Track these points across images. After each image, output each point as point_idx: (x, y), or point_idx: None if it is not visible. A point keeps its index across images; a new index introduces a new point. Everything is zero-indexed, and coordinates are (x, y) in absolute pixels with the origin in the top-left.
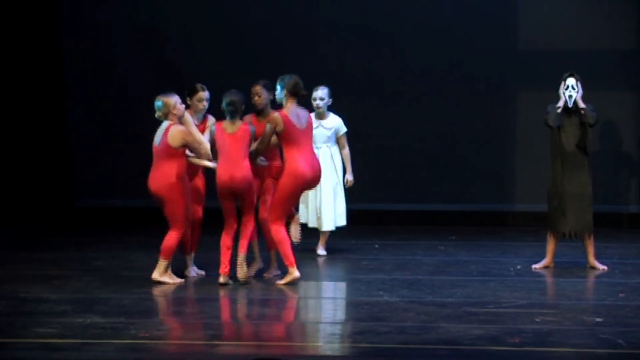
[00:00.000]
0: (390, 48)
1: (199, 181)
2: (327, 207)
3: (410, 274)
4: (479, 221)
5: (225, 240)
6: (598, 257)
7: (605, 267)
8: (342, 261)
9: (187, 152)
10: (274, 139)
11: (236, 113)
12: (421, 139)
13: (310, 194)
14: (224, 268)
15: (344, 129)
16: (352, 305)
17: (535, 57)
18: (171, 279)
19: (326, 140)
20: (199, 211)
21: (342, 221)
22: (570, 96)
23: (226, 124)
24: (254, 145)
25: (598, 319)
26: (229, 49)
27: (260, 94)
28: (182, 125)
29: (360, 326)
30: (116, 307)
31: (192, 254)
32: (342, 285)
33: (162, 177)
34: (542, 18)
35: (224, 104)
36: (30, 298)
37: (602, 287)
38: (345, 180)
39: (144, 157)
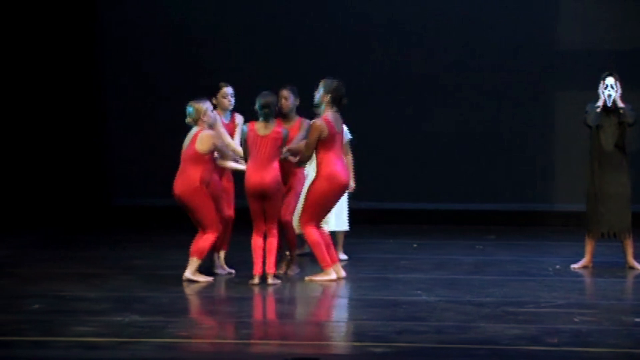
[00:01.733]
0: (427, 46)
1: (227, 182)
2: (340, 209)
3: (448, 273)
4: (518, 221)
5: (257, 241)
6: (638, 257)
7: None
8: (379, 261)
9: (215, 154)
10: (301, 145)
11: (270, 115)
12: (460, 139)
13: None
14: (258, 269)
15: (348, 136)
16: (390, 305)
17: (574, 56)
18: (202, 278)
19: None
20: (230, 211)
21: (343, 226)
22: (609, 95)
23: (259, 125)
24: (295, 148)
25: (637, 319)
26: (261, 51)
27: (287, 98)
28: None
29: (398, 326)
30: (154, 305)
31: (222, 253)
32: (380, 285)
33: (186, 181)
34: (581, 18)
35: (257, 106)
36: (68, 297)
37: None
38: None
39: (179, 156)
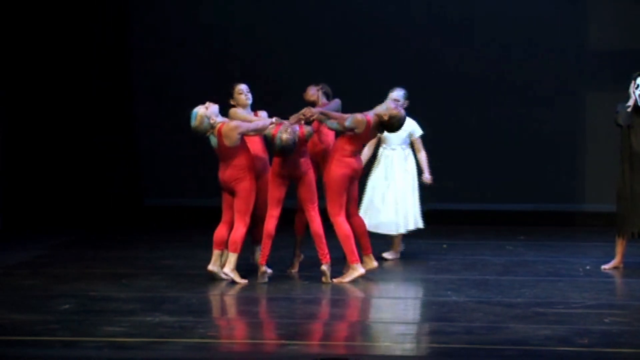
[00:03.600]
0: (454, 45)
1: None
2: (408, 209)
3: (478, 274)
4: (548, 221)
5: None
6: None
7: None
8: (409, 261)
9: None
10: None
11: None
12: (489, 139)
13: (388, 200)
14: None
15: (419, 132)
16: (420, 306)
17: (605, 56)
18: (239, 279)
19: (401, 142)
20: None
21: (418, 224)
22: None
23: None
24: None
25: None
26: (292, 50)
27: (316, 97)
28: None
29: (428, 326)
30: (185, 306)
31: (258, 247)
32: (410, 285)
33: (234, 171)
34: (611, 17)
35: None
36: (99, 297)
37: None
38: (423, 178)
39: (211, 157)
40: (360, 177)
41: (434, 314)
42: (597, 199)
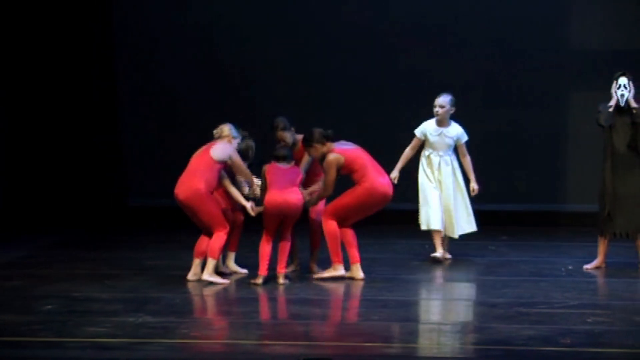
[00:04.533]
0: (438, 47)
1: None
2: (459, 213)
3: (461, 274)
4: (530, 221)
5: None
6: None
7: None
8: (392, 261)
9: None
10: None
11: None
12: (472, 139)
13: (439, 204)
14: (264, 270)
15: (464, 138)
16: (403, 305)
17: (587, 56)
18: (220, 279)
19: (447, 149)
20: (239, 214)
21: (471, 227)
22: (622, 95)
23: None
24: (316, 190)
25: None
26: (280, 52)
27: (285, 139)
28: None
29: (411, 326)
30: (167, 306)
31: (232, 254)
32: (393, 285)
33: (191, 188)
34: (594, 18)
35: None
36: (82, 297)
37: None
38: (470, 189)
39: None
40: None
41: (417, 314)
42: (579, 199)
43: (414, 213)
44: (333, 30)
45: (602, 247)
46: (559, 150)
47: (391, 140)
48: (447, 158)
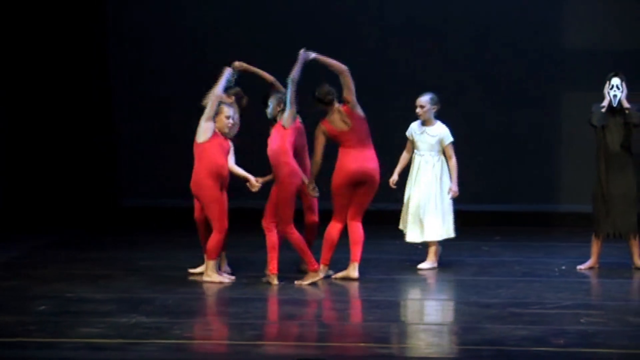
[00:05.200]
0: (432, 46)
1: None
2: (429, 217)
3: (454, 274)
4: (524, 222)
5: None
6: None
7: None
8: (385, 262)
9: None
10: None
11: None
12: (466, 139)
13: (411, 206)
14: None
15: (449, 139)
16: (396, 306)
17: (581, 57)
18: (220, 278)
19: (430, 149)
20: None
21: (449, 233)
22: (614, 96)
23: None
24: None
25: None
26: (272, 52)
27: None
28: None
29: (402, 327)
30: (161, 307)
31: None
32: (386, 286)
33: (195, 176)
34: (588, 18)
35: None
36: (75, 298)
37: None
38: (448, 190)
39: (188, 157)
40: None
41: (410, 314)
42: (573, 200)
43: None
44: (326, 34)
45: (595, 248)
46: (553, 151)
47: (385, 141)
48: (429, 158)
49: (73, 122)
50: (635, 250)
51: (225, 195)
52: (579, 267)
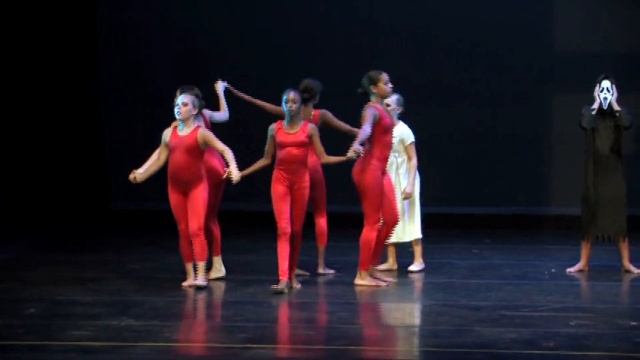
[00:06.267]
0: (423, 49)
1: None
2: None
3: (444, 277)
4: (514, 224)
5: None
6: (633, 261)
7: None
8: None
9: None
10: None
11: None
12: (455, 142)
13: None
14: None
15: (410, 139)
16: (386, 310)
17: (571, 59)
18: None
19: (392, 149)
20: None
21: (416, 234)
22: (605, 98)
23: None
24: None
25: (633, 323)
26: (265, 53)
27: (295, 101)
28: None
29: (393, 330)
30: (151, 309)
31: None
32: (374, 290)
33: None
34: (578, 21)
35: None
36: (65, 300)
37: (638, 291)
38: (402, 192)
39: None
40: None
41: (400, 318)
42: (563, 202)
43: None
44: (316, 32)
45: (585, 250)
46: (543, 153)
47: None
48: (393, 160)
49: (63, 125)
50: (624, 253)
51: (196, 194)
52: (568, 269)
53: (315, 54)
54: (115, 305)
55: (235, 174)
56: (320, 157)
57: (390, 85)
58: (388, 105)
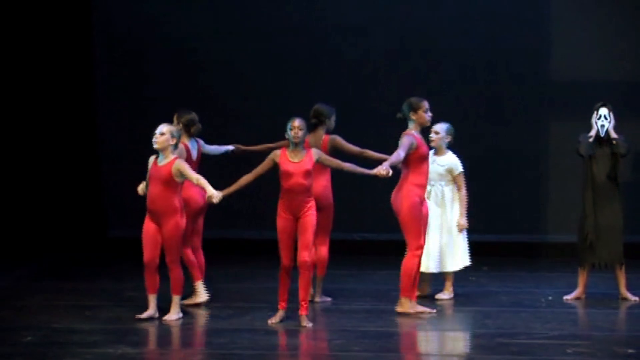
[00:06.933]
0: (420, 76)
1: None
2: (443, 248)
3: (441, 305)
4: (511, 252)
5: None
6: (630, 289)
7: (637, 298)
8: (371, 292)
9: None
10: None
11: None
12: None
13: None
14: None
15: (458, 169)
16: (383, 336)
17: (568, 87)
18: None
19: (439, 179)
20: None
21: (465, 261)
22: (602, 126)
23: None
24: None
25: (630, 351)
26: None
27: (301, 128)
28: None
29: (391, 357)
30: (147, 337)
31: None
32: (373, 316)
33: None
34: (575, 48)
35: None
36: (62, 328)
37: (634, 319)
38: (457, 224)
39: None
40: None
41: (397, 345)
42: (559, 230)
43: (393, 243)
44: (314, 43)
45: (582, 278)
46: (540, 180)
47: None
48: (439, 189)
49: (60, 153)
50: (621, 280)
51: (169, 227)
52: (565, 297)
53: (314, 65)
54: (112, 333)
55: (215, 194)
56: (341, 166)
57: (429, 114)
58: (437, 133)
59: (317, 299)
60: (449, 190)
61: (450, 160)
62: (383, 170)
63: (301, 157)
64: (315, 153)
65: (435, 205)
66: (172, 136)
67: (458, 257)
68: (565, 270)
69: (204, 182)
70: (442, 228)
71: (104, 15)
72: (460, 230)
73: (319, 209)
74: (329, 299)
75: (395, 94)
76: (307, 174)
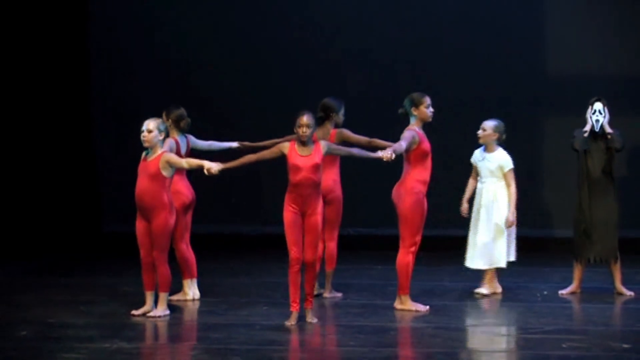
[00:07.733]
0: (417, 73)
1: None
2: (489, 244)
3: (437, 299)
4: None
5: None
6: (625, 283)
7: (633, 293)
8: (368, 287)
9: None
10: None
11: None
12: (447, 164)
13: (470, 234)
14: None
15: (509, 166)
16: (379, 331)
17: (563, 82)
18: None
19: (489, 175)
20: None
21: (510, 257)
22: (597, 121)
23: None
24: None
25: (625, 345)
26: (256, 78)
27: (310, 126)
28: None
29: (386, 352)
30: (143, 332)
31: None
32: (369, 311)
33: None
34: (570, 44)
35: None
36: (57, 323)
37: (630, 313)
38: (505, 220)
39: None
40: None
41: (393, 339)
42: (555, 225)
43: (389, 238)
44: (310, 51)
45: (577, 273)
46: (534, 176)
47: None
48: (489, 186)
49: (55, 149)
50: (616, 275)
51: (158, 223)
52: (561, 292)
53: (310, 73)
54: (107, 328)
55: (214, 165)
56: (350, 152)
57: (431, 109)
58: (484, 130)
59: (327, 295)
60: (500, 187)
61: (500, 157)
62: (388, 153)
63: (310, 150)
64: (323, 145)
65: (487, 202)
66: (160, 131)
67: (504, 253)
68: (560, 265)
69: (195, 161)
70: (490, 224)
71: (100, 18)
72: (509, 227)
73: (327, 203)
74: (339, 294)
75: (394, 91)
76: (316, 168)
